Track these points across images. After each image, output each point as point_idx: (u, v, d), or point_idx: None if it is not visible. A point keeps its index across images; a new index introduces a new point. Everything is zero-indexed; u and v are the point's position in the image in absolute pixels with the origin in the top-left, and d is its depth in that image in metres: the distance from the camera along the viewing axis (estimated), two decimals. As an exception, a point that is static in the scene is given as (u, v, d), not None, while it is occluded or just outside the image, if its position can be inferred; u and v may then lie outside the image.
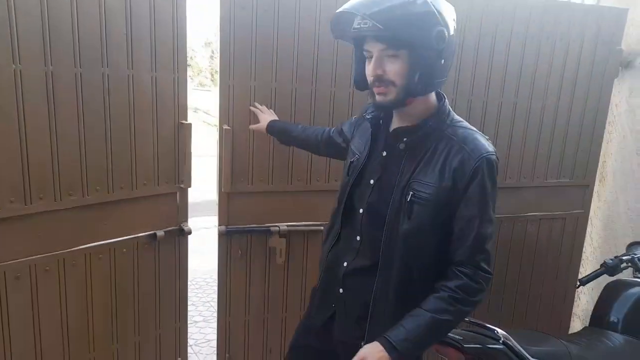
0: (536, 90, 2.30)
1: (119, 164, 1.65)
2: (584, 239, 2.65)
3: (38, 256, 1.51)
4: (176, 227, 1.87)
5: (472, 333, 1.46)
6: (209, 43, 35.18)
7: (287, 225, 2.00)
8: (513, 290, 2.54)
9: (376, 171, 1.22)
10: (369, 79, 1.14)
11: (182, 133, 1.79)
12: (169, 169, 1.80)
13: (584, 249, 2.69)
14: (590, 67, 2.37)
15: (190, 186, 1.87)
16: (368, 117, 1.25)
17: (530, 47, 2.23)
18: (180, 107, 1.79)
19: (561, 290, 2.65)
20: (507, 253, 2.46)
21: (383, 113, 1.23)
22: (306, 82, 1.92)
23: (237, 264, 2.00)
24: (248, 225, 1.97)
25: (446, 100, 1.20)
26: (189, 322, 2.08)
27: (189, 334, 2.24)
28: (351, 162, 1.29)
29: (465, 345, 1.37)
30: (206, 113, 19.57)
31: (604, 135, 2.52)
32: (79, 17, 1.44)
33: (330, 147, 1.61)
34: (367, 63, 1.13)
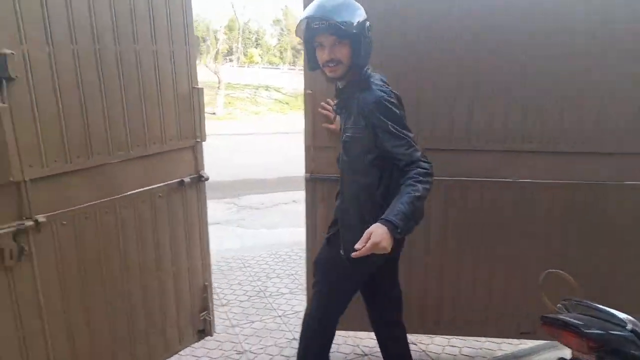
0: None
1: (152, 125, 2.01)
2: None
3: (99, 201, 1.84)
4: (196, 175, 2.25)
5: (591, 317, 1.39)
6: (278, 21, 35.99)
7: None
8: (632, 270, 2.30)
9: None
10: (323, 61, 1.61)
11: (195, 96, 2.16)
12: (188, 126, 2.17)
13: None
14: None
15: (205, 140, 2.25)
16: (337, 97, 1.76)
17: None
18: (192, 75, 2.15)
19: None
20: (622, 228, 2.27)
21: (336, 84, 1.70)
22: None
23: (320, 206, 2.35)
24: (328, 175, 2.27)
25: (368, 68, 1.66)
26: (276, 294, 2.93)
27: (277, 305, 3.11)
28: None
29: (586, 331, 1.30)
30: (277, 91, 20.10)
31: None
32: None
33: None
34: (319, 50, 1.61)
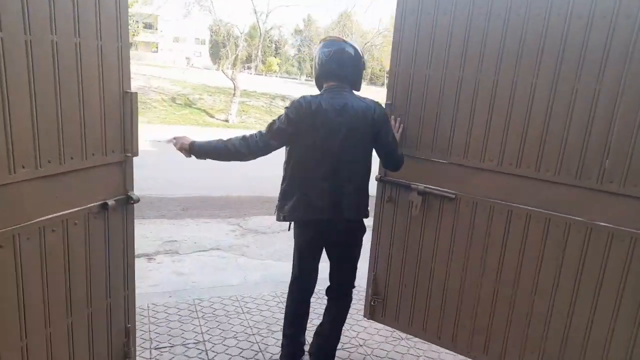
0: None
1: (68, 134, 1.65)
2: None
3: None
4: (124, 196, 1.95)
5: None
6: (299, 31, 35.84)
7: (424, 186, 2.49)
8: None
9: None
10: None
11: (127, 102, 1.87)
12: (116, 138, 1.87)
13: None
14: None
15: (137, 154, 1.94)
16: None
17: None
18: (124, 76, 1.84)
19: None
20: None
21: None
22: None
23: (387, 206, 2.68)
24: (397, 179, 2.58)
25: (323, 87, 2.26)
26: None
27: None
28: None
29: None
30: (293, 101, 19.75)
31: None
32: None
33: None
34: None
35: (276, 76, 38.61)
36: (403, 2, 2.47)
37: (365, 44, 17.66)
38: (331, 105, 2.09)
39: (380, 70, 38.30)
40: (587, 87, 2.02)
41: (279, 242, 5.00)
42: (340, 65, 2.13)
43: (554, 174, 2.13)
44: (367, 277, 2.84)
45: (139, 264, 4.01)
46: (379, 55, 21.84)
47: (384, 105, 2.40)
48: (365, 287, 2.88)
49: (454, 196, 2.42)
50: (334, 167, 2.11)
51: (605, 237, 2.04)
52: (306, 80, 39.60)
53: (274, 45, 41.34)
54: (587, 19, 1.99)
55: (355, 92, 2.23)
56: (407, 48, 2.48)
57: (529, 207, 2.22)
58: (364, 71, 2.32)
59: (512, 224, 2.27)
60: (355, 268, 2.42)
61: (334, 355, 2.48)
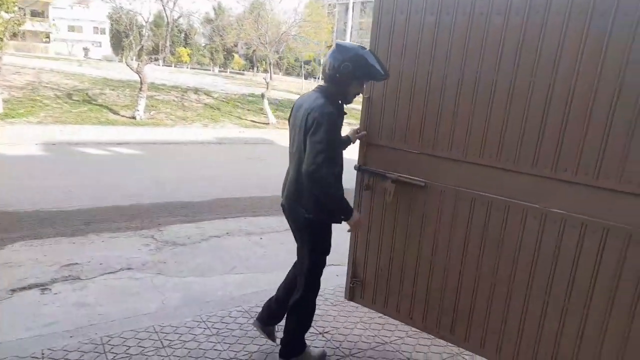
0: None
1: None
2: None
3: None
4: None
5: None
6: (210, 20, 34.38)
7: (398, 175, 2.69)
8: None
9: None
10: (358, 93, 2.40)
11: None
12: None
13: None
14: None
15: None
16: (345, 113, 2.38)
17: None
18: None
19: None
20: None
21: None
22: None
23: (365, 194, 2.91)
24: (373, 168, 2.80)
25: None
26: None
27: None
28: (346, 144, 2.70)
29: None
30: (208, 95, 18.72)
31: None
32: None
33: None
34: (361, 86, 2.37)
35: (187, 67, 36.81)
36: (379, 2, 2.70)
37: (282, 34, 17.27)
38: (299, 103, 2.37)
39: (295, 61, 38.07)
40: (543, 81, 2.20)
41: (202, 254, 4.54)
42: (323, 66, 2.34)
43: (513, 163, 2.31)
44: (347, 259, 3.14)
45: (29, 298, 3.36)
46: (295, 46, 21.56)
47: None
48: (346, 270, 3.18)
49: (423, 184, 2.66)
50: (289, 158, 2.45)
51: (559, 223, 2.22)
52: (220, 71, 38.25)
53: (183, 35, 39.28)
54: (543, 16, 2.17)
55: (331, 92, 2.32)
56: (383, 45, 2.72)
57: (491, 195, 2.41)
58: (345, 73, 2.25)
59: (476, 210, 2.48)
60: (303, 257, 2.47)
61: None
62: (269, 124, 15.27)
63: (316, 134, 2.17)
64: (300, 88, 25.81)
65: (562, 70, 2.14)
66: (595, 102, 2.07)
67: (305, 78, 34.45)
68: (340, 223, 2.40)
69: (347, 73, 2.23)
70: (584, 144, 2.12)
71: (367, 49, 2.38)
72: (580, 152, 2.13)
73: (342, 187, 2.28)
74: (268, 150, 11.42)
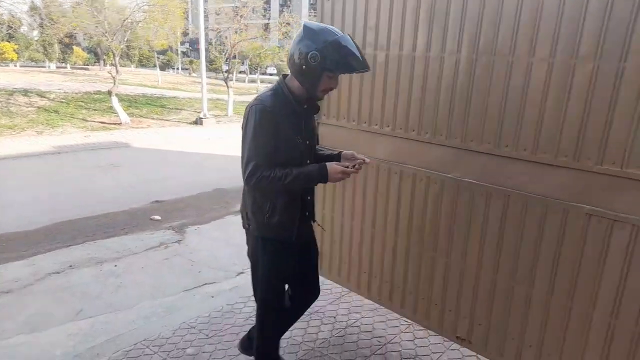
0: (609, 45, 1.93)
1: None
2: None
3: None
4: None
5: None
6: (36, 9, 29.88)
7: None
8: None
9: (309, 136, 2.13)
10: (329, 87, 2.00)
11: None
12: None
13: None
14: None
15: None
16: (298, 110, 2.03)
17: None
18: None
19: None
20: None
21: (307, 105, 2.06)
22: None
23: None
24: (322, 147, 2.60)
25: None
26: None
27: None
28: (298, 141, 2.03)
29: None
30: (42, 96, 16.04)
31: None
32: None
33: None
34: (330, 79, 1.96)
35: (15, 65, 31.75)
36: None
37: (124, 20, 15.47)
38: None
39: (149, 52, 35.18)
40: (450, 60, 2.47)
41: (36, 300, 3.58)
42: (290, 54, 1.99)
43: (432, 136, 2.58)
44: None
45: None
46: (144, 34, 19.62)
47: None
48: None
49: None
50: None
51: (469, 192, 2.49)
52: (58, 67, 33.69)
53: (4, 28, 33.70)
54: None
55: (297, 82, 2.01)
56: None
57: (415, 167, 2.70)
58: (314, 64, 1.89)
59: (403, 181, 2.78)
60: (254, 276, 2.26)
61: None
62: (121, 123, 13.63)
63: (244, 135, 1.97)
64: (155, 81, 23.82)
65: (481, 46, 2.33)
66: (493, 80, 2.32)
67: (161, 69, 32.06)
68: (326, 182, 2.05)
69: (316, 64, 1.87)
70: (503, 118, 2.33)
71: (343, 33, 1.95)
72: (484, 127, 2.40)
73: (287, 173, 1.93)
74: (122, 154, 10.09)
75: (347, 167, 2.02)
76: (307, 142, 2.09)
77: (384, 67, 2.74)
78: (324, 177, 1.98)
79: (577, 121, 2.04)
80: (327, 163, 2.01)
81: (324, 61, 1.85)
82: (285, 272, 2.20)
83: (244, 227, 2.20)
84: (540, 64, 2.11)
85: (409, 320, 2.97)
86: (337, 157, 2.20)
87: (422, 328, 2.90)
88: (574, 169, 2.07)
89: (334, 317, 3.10)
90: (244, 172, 1.94)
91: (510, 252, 2.37)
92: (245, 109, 2.00)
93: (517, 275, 2.35)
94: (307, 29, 1.90)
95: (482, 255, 2.49)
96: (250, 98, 21.49)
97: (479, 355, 2.63)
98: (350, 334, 2.94)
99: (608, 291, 2.06)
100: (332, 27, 1.95)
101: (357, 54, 1.89)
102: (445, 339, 2.78)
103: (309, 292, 2.40)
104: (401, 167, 2.75)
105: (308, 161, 2.09)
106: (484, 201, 2.42)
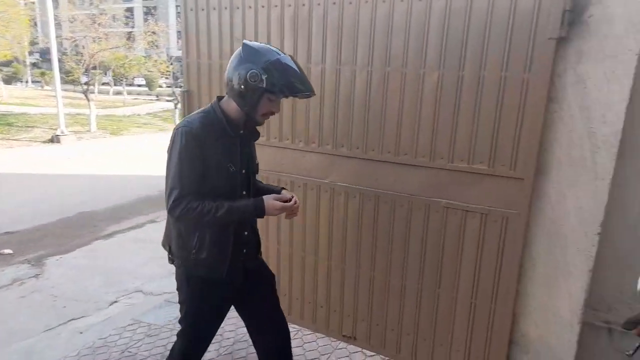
0: (450, 56, 2.18)
1: None
2: (520, 246, 2.17)
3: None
4: None
5: None
6: None
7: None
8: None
9: (246, 165, 1.92)
10: (270, 111, 1.83)
11: None
12: None
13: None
14: (525, 25, 1.97)
15: None
16: (232, 134, 1.84)
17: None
18: None
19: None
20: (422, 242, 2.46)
21: (244, 130, 1.90)
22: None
23: None
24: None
25: None
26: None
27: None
28: (231, 169, 1.84)
29: None
30: None
31: (543, 115, 2.00)
32: None
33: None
34: (271, 103, 1.80)
35: None
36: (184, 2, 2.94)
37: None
38: None
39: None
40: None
41: None
42: (228, 76, 1.86)
43: (305, 145, 2.71)
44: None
45: None
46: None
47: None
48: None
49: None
50: None
51: (341, 193, 2.64)
52: None
53: None
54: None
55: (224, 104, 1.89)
56: (191, 40, 2.96)
57: (293, 175, 2.80)
58: (254, 85, 1.75)
59: (308, 194, 2.79)
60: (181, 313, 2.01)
61: None
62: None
63: (169, 159, 1.79)
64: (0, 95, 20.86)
65: (343, 58, 2.48)
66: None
67: (7, 82, 28.17)
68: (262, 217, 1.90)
69: (255, 84, 1.73)
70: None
71: (284, 53, 1.82)
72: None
73: (219, 206, 1.76)
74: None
75: (287, 201, 1.87)
76: (243, 171, 1.89)
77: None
78: (260, 212, 1.82)
79: (429, 124, 2.27)
80: (264, 197, 1.85)
81: (265, 82, 1.72)
82: (210, 314, 1.96)
83: (169, 262, 1.97)
84: (395, 74, 2.31)
85: (297, 326, 3.00)
86: (278, 192, 2.01)
87: (311, 332, 2.95)
88: (431, 167, 2.30)
89: (221, 335, 3.00)
90: (167, 201, 1.75)
91: (384, 248, 2.54)
92: (172, 131, 1.81)
93: (392, 270, 2.53)
94: (246, 47, 1.77)
95: (359, 255, 2.63)
96: (116, 112, 19.98)
97: (364, 350, 2.76)
98: (239, 350, 2.87)
99: (467, 274, 2.32)
100: (273, 46, 1.84)
101: (302, 75, 1.79)
102: (333, 339, 2.87)
103: (273, 336, 2.11)
104: (278, 175, 2.80)
105: (244, 192, 1.90)
106: (358, 203, 2.56)
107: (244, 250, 1.94)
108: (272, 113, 1.85)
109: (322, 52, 2.50)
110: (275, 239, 2.92)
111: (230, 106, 1.83)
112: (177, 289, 1.97)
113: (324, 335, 2.89)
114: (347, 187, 2.59)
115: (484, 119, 2.13)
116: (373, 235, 2.56)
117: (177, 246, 1.87)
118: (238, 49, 1.79)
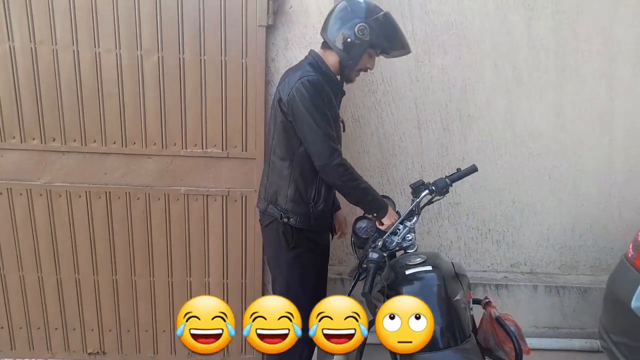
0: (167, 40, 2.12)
1: None
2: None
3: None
4: None
5: None
6: None
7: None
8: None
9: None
10: (367, 66, 1.87)
11: None
12: None
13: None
14: (236, 13, 2.07)
15: None
16: (338, 86, 1.88)
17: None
18: None
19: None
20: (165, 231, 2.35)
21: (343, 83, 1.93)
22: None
23: None
24: None
25: None
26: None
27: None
28: (341, 124, 1.92)
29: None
30: None
31: (264, 97, 2.12)
32: None
33: None
34: (370, 57, 1.85)
35: None
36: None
37: None
38: (284, 75, 1.90)
39: None
40: None
41: None
42: (329, 26, 1.82)
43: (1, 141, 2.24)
44: None
45: None
46: None
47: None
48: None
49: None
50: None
51: (61, 195, 2.31)
52: None
53: None
54: None
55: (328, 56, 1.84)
56: None
57: None
58: (361, 38, 1.74)
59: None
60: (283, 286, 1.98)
61: None
62: None
63: (298, 119, 1.74)
64: None
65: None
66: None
67: None
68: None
69: (362, 38, 1.74)
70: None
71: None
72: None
73: (361, 179, 1.83)
74: None
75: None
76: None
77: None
78: (383, 213, 1.85)
79: (155, 109, 2.17)
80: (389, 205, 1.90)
81: (371, 36, 1.74)
82: (312, 277, 1.97)
83: (262, 223, 1.97)
84: (108, 56, 2.09)
85: (27, 360, 2.51)
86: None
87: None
88: (164, 155, 2.22)
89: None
90: (322, 157, 1.73)
91: (124, 248, 2.34)
92: (282, 88, 1.78)
93: (136, 268, 2.37)
94: (352, 1, 1.77)
95: (95, 260, 2.36)
96: None
97: (118, 363, 2.53)
98: None
99: (216, 256, 2.36)
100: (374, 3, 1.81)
101: (403, 34, 1.83)
102: (77, 360, 2.52)
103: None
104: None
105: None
106: (86, 203, 2.29)
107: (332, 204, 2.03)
108: (366, 69, 1.88)
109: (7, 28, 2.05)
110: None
111: (330, 59, 1.82)
112: (273, 256, 1.99)
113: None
114: (69, 187, 2.27)
115: (210, 104, 2.16)
116: (109, 234, 2.33)
117: (293, 202, 1.84)
118: (342, 2, 1.76)
